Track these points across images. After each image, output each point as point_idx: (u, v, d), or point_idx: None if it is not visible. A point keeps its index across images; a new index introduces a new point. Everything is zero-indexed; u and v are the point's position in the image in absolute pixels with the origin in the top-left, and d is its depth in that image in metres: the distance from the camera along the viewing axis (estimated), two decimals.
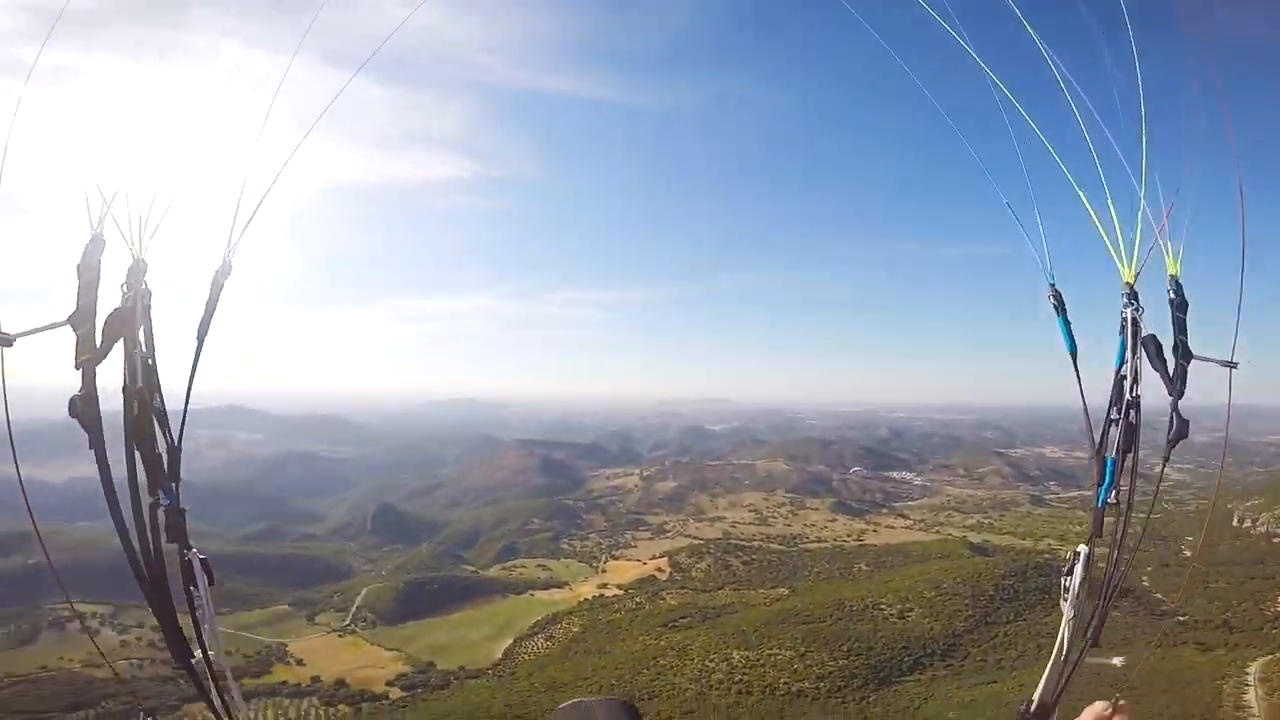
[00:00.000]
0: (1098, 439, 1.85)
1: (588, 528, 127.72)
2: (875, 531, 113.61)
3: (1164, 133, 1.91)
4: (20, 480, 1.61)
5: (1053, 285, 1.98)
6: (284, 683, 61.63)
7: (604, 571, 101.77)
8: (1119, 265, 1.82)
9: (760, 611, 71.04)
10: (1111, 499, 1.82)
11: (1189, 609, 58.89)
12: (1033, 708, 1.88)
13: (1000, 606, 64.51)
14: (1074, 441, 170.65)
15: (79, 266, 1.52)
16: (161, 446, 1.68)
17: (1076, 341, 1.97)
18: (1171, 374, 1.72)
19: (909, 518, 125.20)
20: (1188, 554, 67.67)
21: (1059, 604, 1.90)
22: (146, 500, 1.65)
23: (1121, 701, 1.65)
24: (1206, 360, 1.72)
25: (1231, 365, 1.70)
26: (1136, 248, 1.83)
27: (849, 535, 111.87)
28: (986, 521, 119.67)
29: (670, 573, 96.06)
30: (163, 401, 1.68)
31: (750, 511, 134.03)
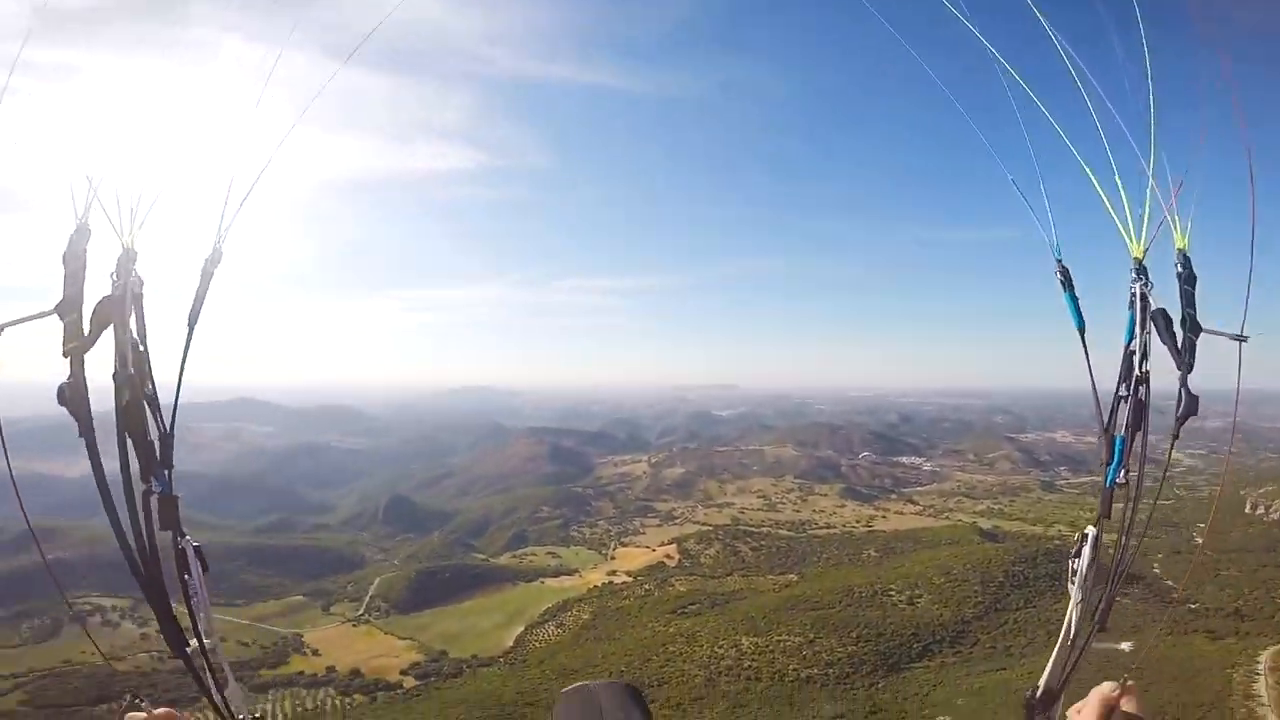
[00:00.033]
0: (1106, 417, 1.80)
1: (597, 515, 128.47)
2: (884, 517, 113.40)
3: (1173, 105, 1.89)
4: (11, 476, 1.61)
5: (1059, 261, 1.96)
6: (300, 673, 62.55)
7: (613, 558, 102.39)
8: (1127, 241, 1.79)
9: (769, 598, 71.31)
10: (1120, 479, 1.76)
11: (1199, 596, 58.39)
12: (1039, 694, 1.85)
13: (1010, 593, 64.29)
14: (1085, 426, 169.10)
15: (64, 256, 1.55)
16: (154, 434, 1.65)
17: (1084, 318, 1.93)
18: (1180, 347, 1.67)
19: (918, 503, 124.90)
20: (1199, 541, 66.98)
21: (1067, 588, 1.86)
22: (139, 488, 1.64)
23: (1130, 682, 1.60)
24: (1216, 334, 1.66)
25: (1241, 339, 1.65)
26: (1145, 223, 1.80)
27: (858, 521, 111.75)
28: (996, 507, 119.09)
29: (679, 559, 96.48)
30: (154, 388, 1.66)
31: (759, 497, 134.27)
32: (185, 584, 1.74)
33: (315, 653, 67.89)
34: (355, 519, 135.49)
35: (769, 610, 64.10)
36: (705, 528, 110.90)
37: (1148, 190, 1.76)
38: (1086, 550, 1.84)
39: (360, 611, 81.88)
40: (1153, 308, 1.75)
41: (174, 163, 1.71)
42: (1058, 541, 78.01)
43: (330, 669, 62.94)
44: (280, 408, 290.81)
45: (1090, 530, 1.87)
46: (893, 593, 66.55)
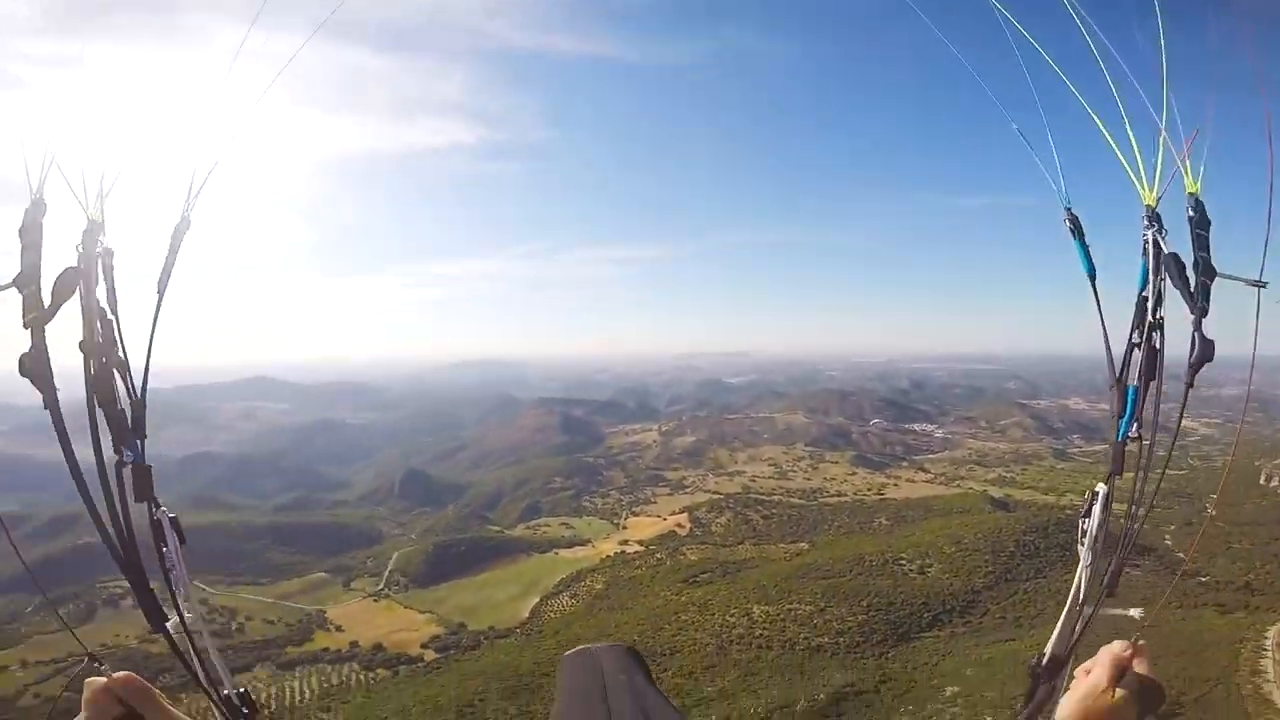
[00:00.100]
0: (1118, 367, 1.74)
1: (608, 485, 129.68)
2: (895, 485, 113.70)
3: (1185, 50, 1.85)
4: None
5: (1069, 209, 1.91)
6: (325, 649, 64.21)
7: (625, 528, 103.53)
8: (1138, 188, 1.74)
9: (780, 566, 72.06)
10: (1133, 433, 1.69)
11: (1210, 570, 58.23)
12: (1045, 661, 1.77)
13: (1020, 563, 64.41)
14: (1099, 393, 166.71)
15: (20, 229, 1.56)
16: (124, 403, 1.63)
17: (1095, 265, 1.88)
18: (1193, 291, 1.60)
19: (929, 471, 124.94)
20: (1213, 512, 66.44)
21: (1076, 549, 1.79)
22: (111, 458, 1.63)
23: (1141, 642, 1.57)
24: (1232, 278, 1.59)
25: (1260, 285, 1.58)
26: (1158, 171, 1.73)
27: (869, 489, 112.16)
28: (1008, 475, 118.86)
29: (690, 528, 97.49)
30: (126, 356, 1.65)
31: (770, 465, 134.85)
32: (162, 556, 1.71)
33: (338, 629, 69.65)
34: (372, 494, 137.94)
35: (780, 579, 64.69)
36: (716, 496, 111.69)
37: (1160, 139, 1.70)
38: (1096, 509, 1.75)
39: (380, 586, 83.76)
40: (1166, 253, 1.69)
41: (140, 136, 1.71)
42: (1069, 511, 77.74)
43: (353, 644, 64.67)
44: (295, 385, 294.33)
45: (1100, 488, 1.78)
46: (903, 562, 66.90)
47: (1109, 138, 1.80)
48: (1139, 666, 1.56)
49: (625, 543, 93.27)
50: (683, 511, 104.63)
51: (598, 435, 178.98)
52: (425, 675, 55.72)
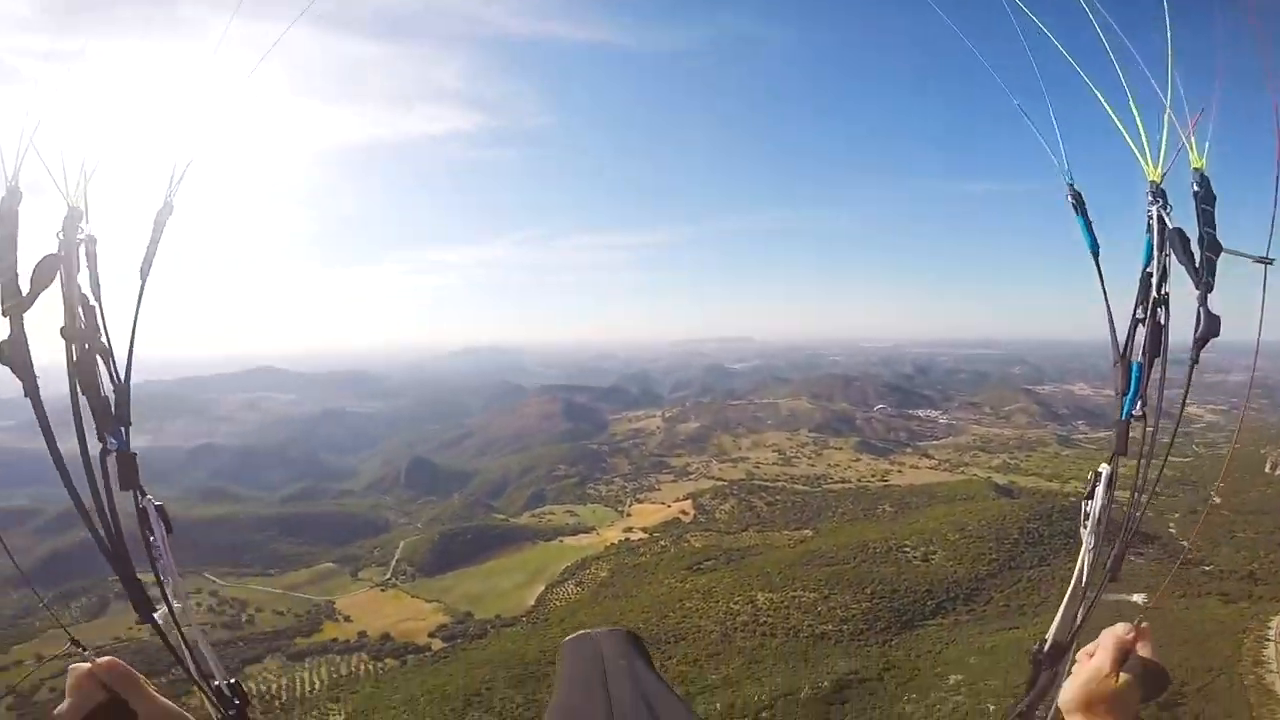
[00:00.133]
0: (1122, 343, 1.71)
1: (612, 471, 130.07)
2: (900, 472, 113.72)
3: (1191, 26, 1.88)
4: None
5: (1071, 185, 1.88)
6: (334, 640, 64.74)
7: (629, 515, 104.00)
8: (1143, 165, 1.72)
9: (784, 553, 72.35)
10: (1137, 411, 1.66)
11: (1214, 558, 58.05)
12: (1046, 647, 1.75)
13: (1024, 550, 64.50)
14: (1104, 378, 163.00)
15: None
16: (107, 389, 1.63)
17: (1098, 240, 1.85)
18: (1198, 266, 1.59)
19: (934, 457, 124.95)
20: (1217, 500, 66.04)
21: (1080, 532, 1.75)
22: (95, 446, 1.63)
23: (1144, 624, 1.55)
24: (1237, 254, 1.58)
25: (1267, 261, 1.56)
26: (1163, 147, 1.70)
27: (873, 475, 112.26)
28: (1012, 462, 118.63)
29: (694, 515, 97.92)
30: (109, 341, 1.64)
31: (774, 451, 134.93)
32: (149, 545, 1.70)
33: (347, 619, 70.25)
34: (378, 483, 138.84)
35: (784, 566, 64.97)
36: (720, 483, 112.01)
37: (1164, 116, 1.68)
38: (1100, 491, 1.71)
39: (387, 576, 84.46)
40: (1170, 228, 1.67)
41: (123, 122, 1.72)
42: (1073, 498, 76.86)
43: (362, 634, 65.20)
44: (298, 375, 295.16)
45: (1104, 468, 1.73)
46: (907, 549, 67.07)
47: (1112, 113, 1.75)
48: (1142, 650, 1.54)
49: (630, 530, 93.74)
50: (687, 498, 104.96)
51: (601, 422, 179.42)
52: (432, 665, 56.25)
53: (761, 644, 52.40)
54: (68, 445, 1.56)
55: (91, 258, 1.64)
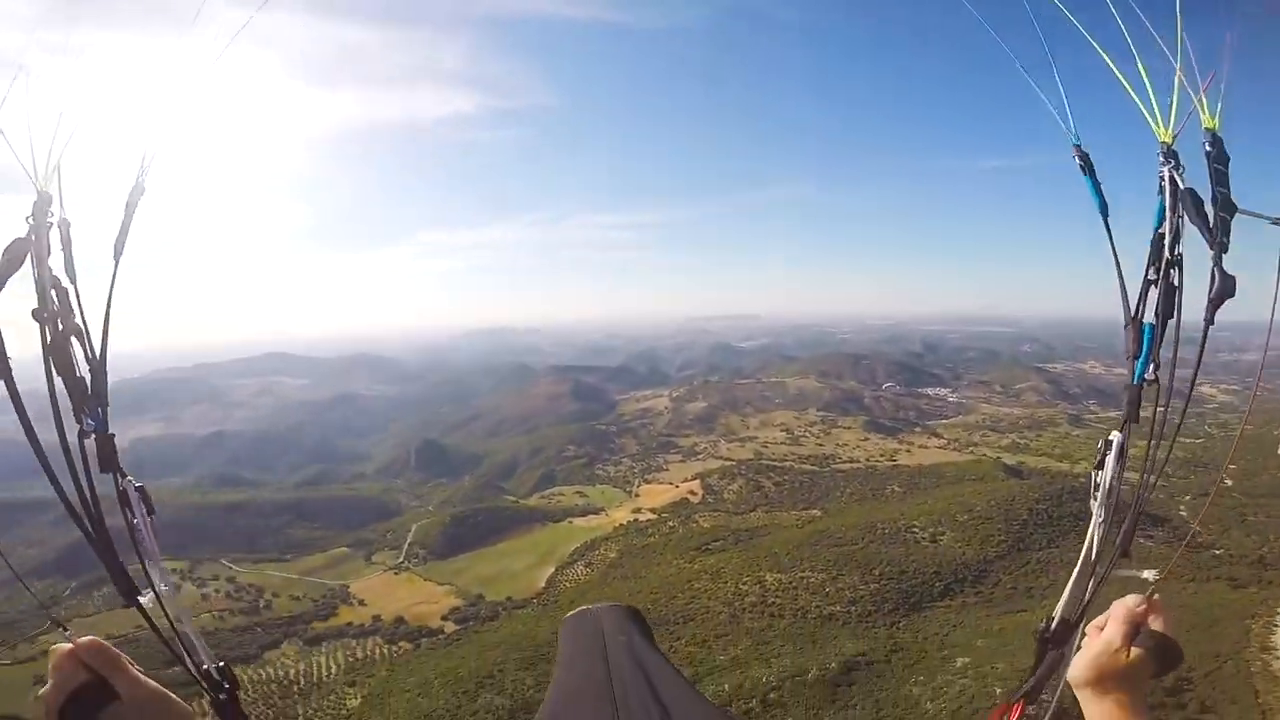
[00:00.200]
0: (1134, 304, 1.64)
1: (620, 452, 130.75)
2: (908, 451, 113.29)
3: None
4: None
5: (1078, 145, 1.82)
6: (349, 624, 65.98)
7: (638, 496, 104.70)
8: (1153, 127, 1.67)
9: (792, 533, 72.50)
10: (1149, 374, 1.60)
11: (1223, 542, 57.46)
12: (1054, 625, 1.70)
13: (1033, 532, 64.14)
14: (1116, 357, 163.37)
15: None
16: (83, 370, 1.62)
17: (1107, 201, 1.80)
18: (1212, 226, 1.55)
19: (943, 437, 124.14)
20: (1229, 483, 64.98)
21: (1089, 504, 1.68)
22: (72, 427, 1.61)
23: (1156, 597, 1.51)
24: (1252, 215, 1.54)
25: None
26: (1174, 109, 1.66)
27: (881, 455, 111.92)
28: (1022, 442, 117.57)
29: (702, 495, 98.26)
30: (85, 322, 1.63)
31: (781, 431, 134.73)
32: (132, 527, 1.68)
33: (361, 603, 71.53)
34: (390, 466, 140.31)
35: (792, 546, 65.11)
36: (728, 463, 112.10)
37: (1175, 79, 1.65)
38: (1110, 460, 1.64)
39: (400, 559, 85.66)
40: (1183, 188, 1.62)
41: (92, 107, 1.70)
42: (1083, 479, 75.61)
43: (376, 618, 66.42)
44: (310, 359, 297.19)
45: (1115, 436, 1.65)
46: (915, 530, 67.00)
47: (1119, 74, 1.70)
48: (1154, 623, 1.50)
49: (638, 511, 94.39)
50: (695, 478, 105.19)
51: (609, 402, 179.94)
52: (445, 647, 57.24)
53: (769, 625, 52.76)
54: (53, 430, 1.55)
55: (66, 241, 1.63)
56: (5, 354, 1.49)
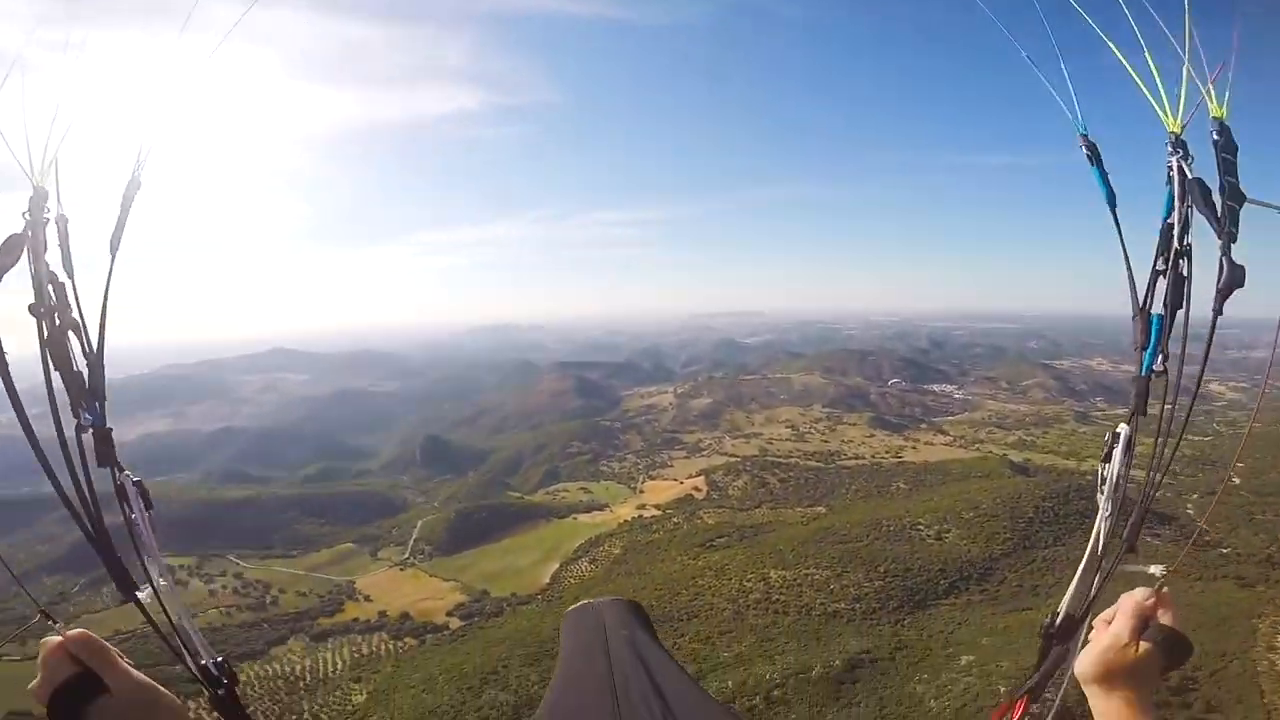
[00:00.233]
0: (1142, 295, 1.64)
1: (625, 448, 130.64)
2: (914, 448, 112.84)
3: None
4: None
5: (1084, 135, 1.82)
6: (355, 620, 66.18)
7: (642, 492, 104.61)
8: (1161, 117, 1.66)
9: (797, 530, 72.47)
10: (1158, 366, 1.59)
11: (1231, 540, 57.04)
12: (1059, 621, 1.68)
13: (1039, 530, 63.95)
14: (1124, 354, 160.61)
15: None
16: (80, 364, 1.62)
17: (1114, 191, 1.79)
18: (1220, 216, 1.55)
19: (948, 433, 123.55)
20: (1236, 481, 64.42)
21: (1096, 498, 1.68)
22: (70, 422, 1.63)
23: (1165, 589, 1.48)
24: (1261, 204, 1.54)
25: None
26: (1182, 98, 1.65)
27: (887, 452, 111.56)
28: (1028, 439, 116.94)
29: (707, 491, 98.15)
30: (82, 317, 1.64)
31: (787, 427, 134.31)
32: (130, 522, 1.70)
33: (367, 599, 71.77)
34: (395, 462, 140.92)
35: (797, 543, 65.10)
36: (733, 459, 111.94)
37: (1183, 68, 1.64)
38: (1118, 453, 1.64)
39: (406, 555, 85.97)
40: (1191, 178, 1.60)
41: (89, 105, 1.71)
42: (1090, 477, 75.77)
43: (382, 614, 66.67)
44: (314, 355, 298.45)
45: (1123, 429, 1.65)
46: (921, 527, 66.87)
47: (1126, 64, 1.69)
48: (1163, 617, 1.46)
49: (642, 507, 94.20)
50: (699, 475, 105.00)
51: (614, 398, 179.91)
52: (450, 643, 57.50)
53: (774, 622, 52.71)
54: (51, 424, 1.57)
55: (63, 237, 1.64)
56: (1, 350, 1.50)
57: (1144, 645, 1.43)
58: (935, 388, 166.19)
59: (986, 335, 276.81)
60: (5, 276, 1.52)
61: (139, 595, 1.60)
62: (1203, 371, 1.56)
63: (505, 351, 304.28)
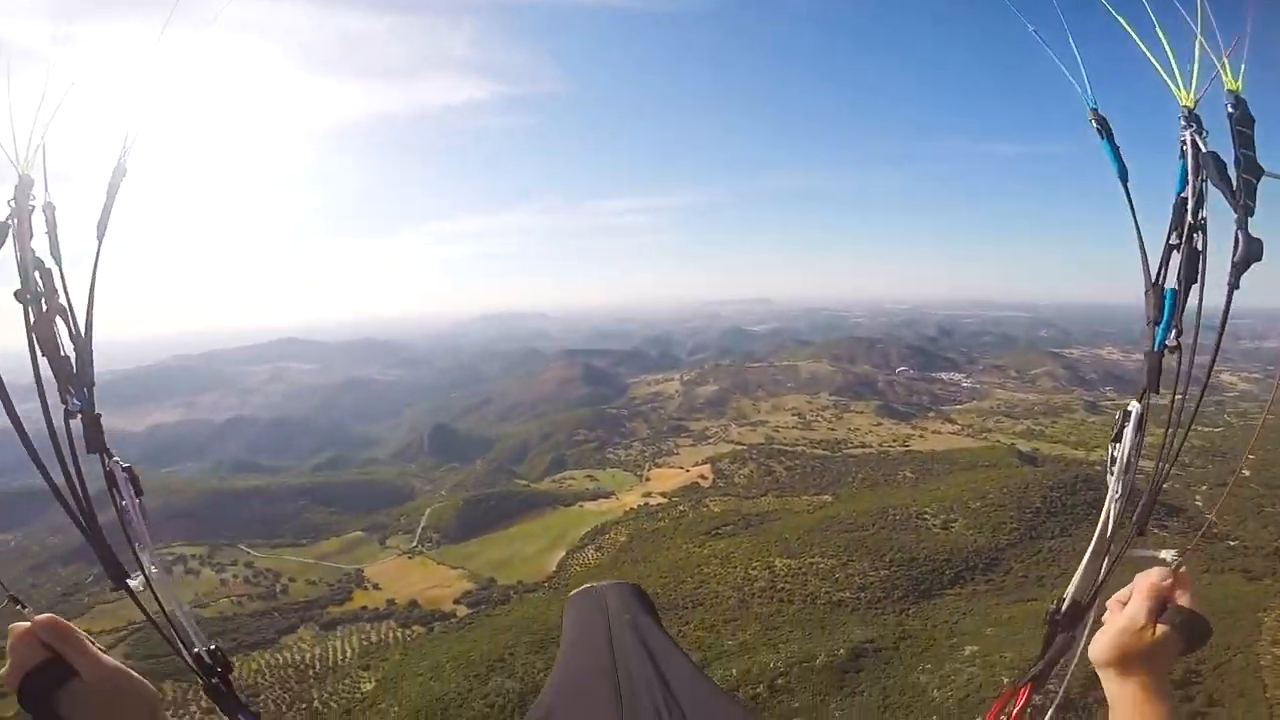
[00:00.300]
0: (1155, 270, 1.60)
1: (631, 436, 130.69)
2: (921, 437, 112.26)
3: None
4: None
5: (1094, 110, 1.79)
6: (364, 608, 66.96)
7: (648, 480, 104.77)
8: (1174, 91, 1.63)
9: (803, 518, 72.40)
10: (1171, 341, 1.54)
11: (1240, 533, 56.46)
12: (1064, 607, 1.64)
13: (1046, 520, 63.58)
14: (1134, 343, 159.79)
15: None
16: (67, 349, 1.62)
17: (1126, 166, 1.74)
18: (1235, 189, 1.51)
19: (956, 422, 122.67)
20: (1246, 473, 63.57)
21: (1106, 479, 1.63)
22: (58, 407, 1.63)
23: (1183, 569, 1.43)
24: (1278, 177, 1.51)
25: None
26: (1195, 71, 1.62)
27: (894, 440, 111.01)
28: (1037, 428, 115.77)
29: (713, 479, 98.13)
30: (70, 302, 1.65)
31: (793, 415, 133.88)
32: (120, 509, 1.69)
33: (376, 587, 72.54)
34: (403, 451, 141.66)
35: (803, 532, 65.03)
36: (739, 447, 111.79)
37: (1196, 42, 1.60)
38: (1129, 432, 1.59)
39: (414, 544, 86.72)
40: (1205, 151, 1.56)
41: (74, 90, 1.71)
42: (1098, 467, 75.40)
43: (390, 602, 67.31)
44: (321, 344, 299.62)
45: (1134, 406, 1.59)
46: (927, 516, 66.63)
47: (1135, 36, 1.66)
48: (1181, 598, 1.40)
49: (648, 495, 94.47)
50: (705, 462, 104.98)
51: (620, 386, 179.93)
52: (458, 631, 58.10)
53: (779, 610, 52.84)
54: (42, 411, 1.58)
55: (51, 224, 1.65)
56: None
57: (1161, 628, 1.36)
58: (943, 376, 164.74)
59: (997, 323, 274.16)
60: None
61: (130, 583, 1.58)
62: (1218, 346, 1.53)
63: (512, 340, 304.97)
